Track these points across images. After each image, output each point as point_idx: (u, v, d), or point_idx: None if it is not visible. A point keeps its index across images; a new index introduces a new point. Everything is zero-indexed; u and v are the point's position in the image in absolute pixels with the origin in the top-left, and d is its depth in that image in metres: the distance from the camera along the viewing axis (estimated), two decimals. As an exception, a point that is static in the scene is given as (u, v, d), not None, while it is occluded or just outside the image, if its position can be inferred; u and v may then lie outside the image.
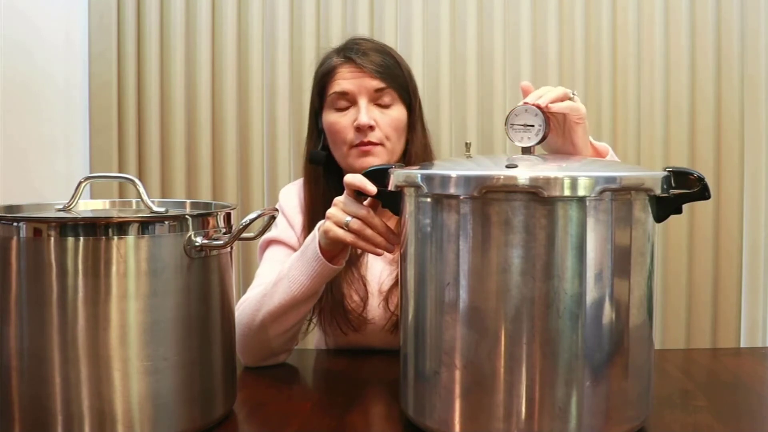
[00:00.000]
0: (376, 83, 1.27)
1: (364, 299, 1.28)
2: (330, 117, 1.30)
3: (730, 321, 2.08)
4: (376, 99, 1.28)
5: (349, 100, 1.28)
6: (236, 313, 1.19)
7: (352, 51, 1.29)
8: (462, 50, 2.08)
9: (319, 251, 1.05)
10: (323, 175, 1.34)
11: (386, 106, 1.29)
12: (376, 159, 1.27)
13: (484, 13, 2.09)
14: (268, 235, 1.34)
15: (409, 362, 0.87)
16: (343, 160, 1.30)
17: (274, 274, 1.14)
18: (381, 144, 1.27)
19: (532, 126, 0.91)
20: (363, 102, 1.27)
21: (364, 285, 1.29)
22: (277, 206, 1.39)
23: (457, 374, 0.80)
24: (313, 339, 1.44)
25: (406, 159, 1.33)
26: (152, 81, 2.10)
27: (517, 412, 0.77)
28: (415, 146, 1.32)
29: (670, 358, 1.26)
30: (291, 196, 1.39)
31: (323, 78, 1.31)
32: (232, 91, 2.11)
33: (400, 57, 1.34)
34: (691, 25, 2.05)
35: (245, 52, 2.12)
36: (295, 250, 1.29)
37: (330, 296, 1.26)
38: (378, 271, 1.31)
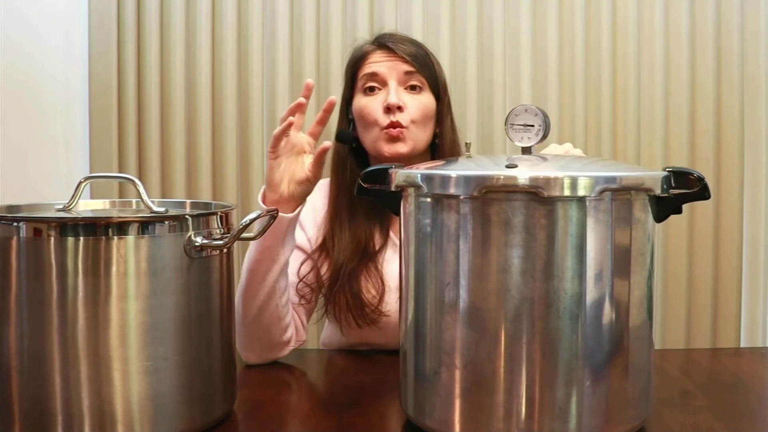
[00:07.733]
0: (407, 66, 1.29)
1: (381, 293, 1.28)
2: (360, 101, 1.31)
3: (730, 321, 2.08)
4: (405, 82, 1.30)
5: (379, 83, 1.30)
6: None
7: (385, 38, 1.33)
8: (462, 50, 2.08)
9: (260, 200, 1.16)
10: (349, 166, 1.34)
11: (415, 91, 1.30)
12: (403, 145, 1.27)
13: (484, 13, 2.09)
14: None
15: (409, 362, 0.87)
16: (373, 145, 1.30)
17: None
18: (407, 127, 1.28)
19: (532, 126, 0.91)
20: (393, 84, 1.29)
21: (382, 280, 1.28)
22: None
23: (457, 374, 0.80)
24: (318, 338, 1.43)
25: (436, 154, 1.34)
26: (152, 81, 2.09)
27: (517, 412, 0.77)
28: (445, 141, 1.33)
29: (670, 358, 1.26)
30: None
31: (355, 64, 1.34)
32: (232, 92, 2.11)
33: (431, 52, 1.36)
34: (691, 25, 2.05)
35: (245, 52, 2.11)
36: (302, 251, 1.29)
37: (347, 287, 1.26)
38: (396, 267, 1.30)
